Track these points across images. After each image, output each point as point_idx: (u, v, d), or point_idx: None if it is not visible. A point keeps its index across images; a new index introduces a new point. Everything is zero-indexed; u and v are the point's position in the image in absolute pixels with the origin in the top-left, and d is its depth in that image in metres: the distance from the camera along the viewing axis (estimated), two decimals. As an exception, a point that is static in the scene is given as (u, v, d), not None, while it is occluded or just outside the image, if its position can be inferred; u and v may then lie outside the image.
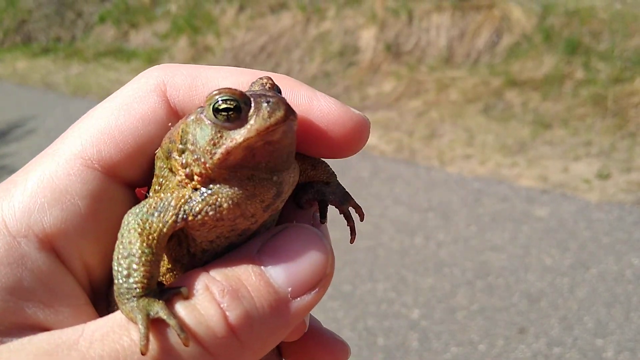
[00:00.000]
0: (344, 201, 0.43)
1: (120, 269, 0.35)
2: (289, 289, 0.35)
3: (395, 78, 6.50)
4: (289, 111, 0.34)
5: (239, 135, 0.33)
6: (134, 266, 0.34)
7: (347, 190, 0.44)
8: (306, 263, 0.35)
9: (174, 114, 0.39)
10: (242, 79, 0.38)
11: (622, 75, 5.14)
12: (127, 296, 0.34)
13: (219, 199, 0.35)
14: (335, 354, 0.41)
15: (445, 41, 6.52)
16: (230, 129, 0.33)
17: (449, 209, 3.85)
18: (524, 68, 5.74)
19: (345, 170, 4.73)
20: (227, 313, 0.34)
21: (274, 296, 0.34)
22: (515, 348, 2.63)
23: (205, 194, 0.35)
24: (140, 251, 0.35)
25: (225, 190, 0.35)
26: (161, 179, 0.37)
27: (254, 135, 0.33)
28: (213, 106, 0.33)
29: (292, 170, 0.39)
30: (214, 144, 0.33)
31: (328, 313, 3.03)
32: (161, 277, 0.39)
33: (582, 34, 5.65)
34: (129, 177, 0.40)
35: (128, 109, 0.39)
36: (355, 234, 0.43)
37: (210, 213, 0.35)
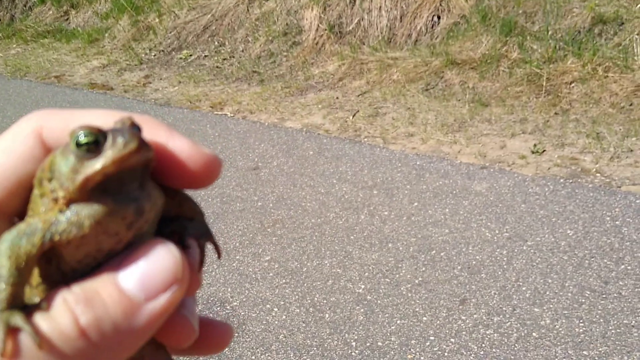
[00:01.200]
0: (203, 236, 0.49)
1: None
2: (142, 293, 0.38)
3: (339, 58, 6.52)
4: (142, 144, 0.39)
5: (97, 164, 0.38)
6: (2, 285, 0.38)
7: (209, 228, 0.50)
8: (156, 268, 0.38)
9: (50, 152, 0.43)
10: (110, 119, 0.43)
11: (555, 54, 5.31)
12: None
13: (81, 218, 0.38)
14: (221, 336, 0.45)
15: (387, 22, 6.58)
16: (90, 159, 0.38)
17: (393, 186, 3.92)
18: (462, 48, 5.86)
19: (292, 150, 4.75)
20: (80, 318, 0.37)
21: (125, 300, 0.37)
22: (457, 318, 2.72)
23: (70, 215, 0.38)
24: (8, 273, 0.39)
25: (86, 210, 0.38)
26: (33, 205, 0.42)
27: (110, 163, 0.38)
28: (75, 140, 0.37)
29: (152, 193, 0.43)
30: (76, 172, 0.37)
31: (275, 290, 3.05)
32: (35, 294, 0.44)
33: (518, 14, 5.80)
34: (11, 210, 0.43)
35: (8, 151, 0.42)
36: (202, 265, 0.48)
37: (74, 232, 0.39)
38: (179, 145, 0.42)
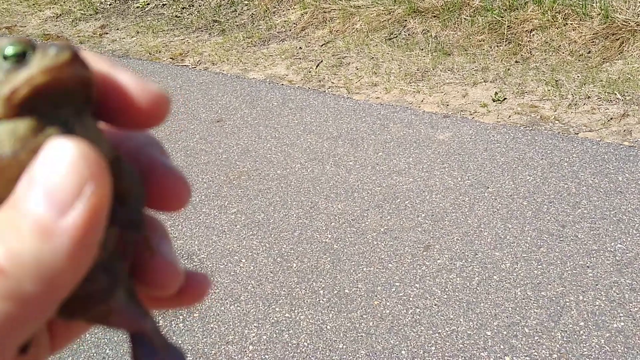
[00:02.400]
0: (131, 228, 0.36)
1: None
2: (52, 210, 0.30)
3: (301, 7, 6.42)
4: (76, 57, 0.34)
5: (24, 73, 0.33)
6: None
7: (143, 219, 0.37)
8: (56, 173, 0.31)
9: None
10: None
11: (516, 2, 5.33)
12: None
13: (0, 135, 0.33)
14: (200, 286, 0.37)
15: (349, -32, 6.48)
16: (17, 70, 0.33)
17: (357, 136, 3.95)
18: (425, -4, 5.83)
19: (255, 101, 4.71)
20: None
21: (35, 225, 0.30)
22: (421, 264, 2.80)
23: None
24: None
25: (8, 126, 0.33)
26: None
27: (38, 72, 0.33)
28: (2, 53, 0.33)
29: (88, 124, 0.36)
30: (1, 84, 0.32)
31: (242, 242, 3.08)
32: None
33: (480, -39, 5.77)
34: None
35: None
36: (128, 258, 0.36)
37: None
38: (123, 78, 0.35)
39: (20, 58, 0.33)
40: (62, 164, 0.31)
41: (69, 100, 0.35)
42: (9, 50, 0.32)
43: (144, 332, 0.37)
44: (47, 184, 0.30)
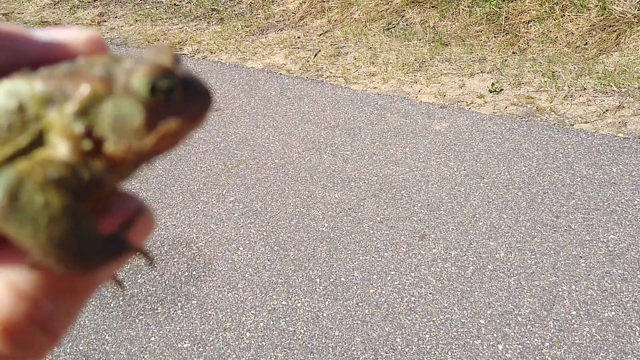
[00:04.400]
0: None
1: None
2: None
3: (299, -4, 6.42)
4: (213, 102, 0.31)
5: (174, 122, 0.28)
6: None
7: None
8: None
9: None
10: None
11: (515, -7, 5.34)
12: None
13: (106, 178, 0.29)
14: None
15: (347, -42, 6.47)
16: (164, 112, 0.28)
17: (355, 126, 3.97)
18: (423, -14, 5.83)
19: (253, 90, 4.73)
20: None
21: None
22: (417, 253, 2.83)
23: (97, 170, 0.28)
24: None
25: (114, 170, 0.29)
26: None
27: (189, 123, 0.29)
28: (151, 84, 0.28)
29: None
30: (147, 127, 0.27)
31: (240, 230, 3.11)
32: None
33: (479, -49, 5.77)
34: None
35: None
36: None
37: (95, 185, 0.29)
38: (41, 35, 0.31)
39: (169, 95, 0.29)
40: None
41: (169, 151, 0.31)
42: (163, 84, 0.28)
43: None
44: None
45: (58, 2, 8.03)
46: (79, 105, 0.28)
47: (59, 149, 0.28)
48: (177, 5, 7.21)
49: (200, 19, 6.74)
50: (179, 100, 0.29)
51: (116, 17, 7.27)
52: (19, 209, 0.26)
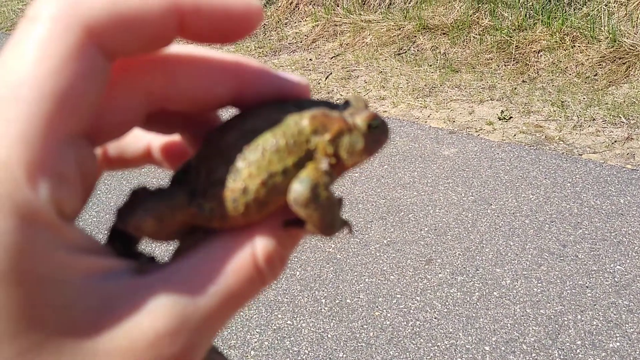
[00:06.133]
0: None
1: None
2: None
3: (313, 19, 6.50)
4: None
5: (376, 146, 0.44)
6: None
7: None
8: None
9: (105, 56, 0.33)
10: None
11: (525, 23, 5.39)
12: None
13: (332, 183, 0.43)
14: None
15: (361, -17, 6.55)
16: (372, 142, 0.44)
17: (364, 149, 3.99)
18: (435, 13, 5.89)
19: (264, 110, 4.76)
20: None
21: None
22: (423, 277, 2.83)
23: (334, 177, 0.43)
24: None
25: (338, 177, 0.44)
26: (289, 142, 0.43)
27: (380, 147, 0.45)
28: (371, 124, 0.44)
29: None
30: (364, 151, 0.43)
31: (248, 248, 3.12)
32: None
33: (491, -19, 5.84)
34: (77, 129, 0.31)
35: (66, 72, 0.31)
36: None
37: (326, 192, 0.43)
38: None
39: (375, 130, 0.44)
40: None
41: None
42: (376, 123, 0.44)
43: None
44: None
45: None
46: (332, 136, 0.42)
47: (322, 163, 0.42)
48: (191, 24, 7.29)
49: (213, 39, 6.81)
50: (379, 133, 0.44)
51: (130, 34, 7.35)
52: (316, 200, 0.40)
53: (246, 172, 0.41)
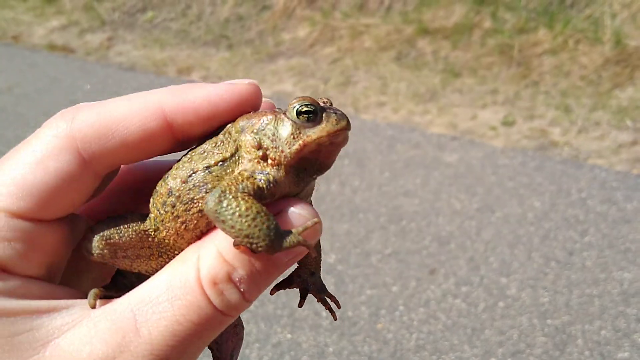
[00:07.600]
0: (321, 292, 0.59)
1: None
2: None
3: (310, 24, 6.44)
4: (349, 123, 0.46)
5: (313, 133, 0.44)
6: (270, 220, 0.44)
7: (324, 284, 0.60)
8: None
9: (85, 165, 0.44)
10: (151, 98, 0.46)
11: (527, 25, 5.33)
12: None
13: (277, 179, 0.45)
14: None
15: (359, -13, 6.50)
16: (306, 128, 0.44)
17: (364, 156, 3.92)
18: (435, 17, 5.83)
19: (262, 118, 4.70)
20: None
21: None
22: (426, 288, 2.76)
23: (269, 174, 0.44)
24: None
25: (280, 173, 0.44)
26: (217, 145, 0.46)
27: (325, 134, 0.44)
28: (296, 109, 0.44)
29: (311, 185, 0.50)
30: (294, 138, 0.43)
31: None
32: None
33: (491, -16, 5.79)
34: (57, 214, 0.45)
35: (43, 165, 0.43)
36: (335, 315, 0.61)
37: (271, 186, 0.45)
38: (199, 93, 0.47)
39: (311, 116, 0.44)
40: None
41: (332, 159, 0.47)
42: (303, 108, 0.44)
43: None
44: None
45: (67, 25, 8.09)
46: (254, 128, 0.44)
47: (244, 162, 0.43)
48: (186, 31, 7.24)
49: (209, 45, 6.76)
50: (318, 120, 0.44)
51: (124, 41, 7.31)
52: (221, 212, 0.40)
53: (171, 176, 0.44)
